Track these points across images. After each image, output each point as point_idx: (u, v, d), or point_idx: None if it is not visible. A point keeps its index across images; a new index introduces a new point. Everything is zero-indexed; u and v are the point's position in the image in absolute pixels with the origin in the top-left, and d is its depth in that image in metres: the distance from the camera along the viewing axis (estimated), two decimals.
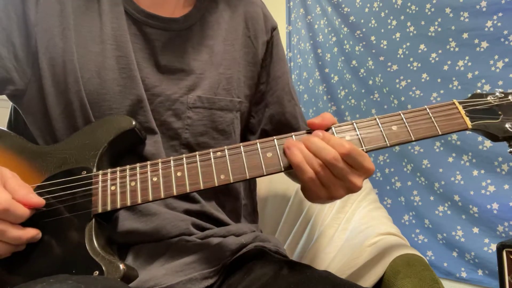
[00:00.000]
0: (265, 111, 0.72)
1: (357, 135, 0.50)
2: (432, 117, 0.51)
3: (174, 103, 0.61)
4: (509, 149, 0.51)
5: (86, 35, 0.57)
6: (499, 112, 0.52)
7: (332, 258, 0.87)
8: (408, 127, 0.50)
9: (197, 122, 0.62)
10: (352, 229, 0.91)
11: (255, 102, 0.73)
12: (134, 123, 0.55)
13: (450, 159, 1.62)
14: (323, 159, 0.46)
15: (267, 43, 0.72)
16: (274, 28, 0.75)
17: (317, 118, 0.51)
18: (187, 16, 0.65)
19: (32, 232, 0.46)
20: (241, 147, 0.50)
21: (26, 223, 0.46)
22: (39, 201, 0.47)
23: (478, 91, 0.55)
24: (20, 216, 0.45)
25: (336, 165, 0.46)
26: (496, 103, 0.52)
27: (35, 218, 0.47)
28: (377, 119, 0.51)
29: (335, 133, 0.50)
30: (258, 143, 0.50)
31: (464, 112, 0.51)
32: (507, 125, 0.51)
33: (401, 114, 0.51)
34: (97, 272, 0.45)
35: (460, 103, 0.52)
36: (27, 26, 0.55)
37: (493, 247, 1.47)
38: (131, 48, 0.59)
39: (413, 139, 0.49)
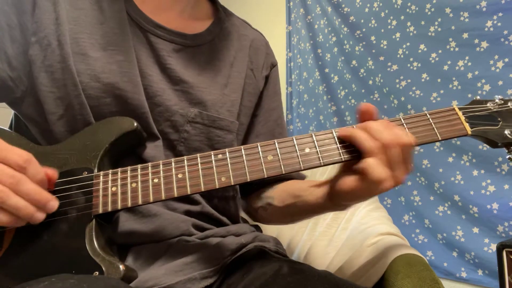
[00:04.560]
0: (255, 141, 0.73)
1: None
2: (432, 123, 0.51)
3: (174, 114, 0.61)
4: (508, 155, 0.52)
5: (85, 41, 0.57)
6: (499, 119, 0.52)
7: (332, 258, 0.88)
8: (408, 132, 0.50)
9: (193, 137, 0.63)
10: (352, 229, 0.91)
11: (246, 132, 0.74)
12: (135, 124, 0.55)
13: (450, 159, 1.63)
14: (384, 139, 0.46)
15: (266, 78, 0.76)
16: (274, 65, 0.78)
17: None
18: (198, 36, 0.67)
19: (48, 195, 0.44)
20: (242, 149, 0.50)
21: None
22: (53, 171, 0.47)
23: (478, 97, 0.55)
24: (38, 172, 0.44)
25: (394, 149, 0.45)
26: (495, 110, 0.53)
27: None
28: None
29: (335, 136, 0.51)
30: (259, 146, 0.50)
31: (464, 118, 0.52)
32: (506, 132, 0.51)
33: (402, 119, 0.51)
34: (97, 272, 0.45)
35: (460, 109, 0.52)
36: (24, 36, 0.55)
37: (493, 247, 1.47)
38: (134, 54, 0.59)
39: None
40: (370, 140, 0.46)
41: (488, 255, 1.50)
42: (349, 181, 0.48)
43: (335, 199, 0.53)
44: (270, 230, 1.02)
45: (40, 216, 0.44)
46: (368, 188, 0.47)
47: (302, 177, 0.74)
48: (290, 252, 0.97)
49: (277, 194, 0.67)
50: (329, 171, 1.07)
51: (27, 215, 0.42)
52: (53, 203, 0.45)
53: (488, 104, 0.53)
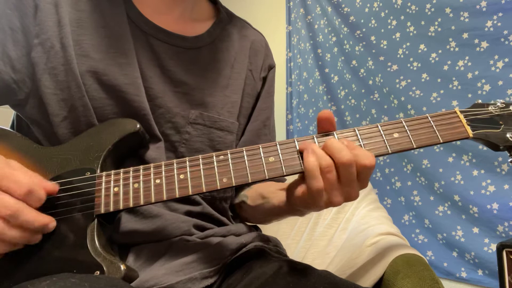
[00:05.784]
0: (241, 138, 0.73)
1: (359, 141, 0.50)
2: (433, 125, 0.51)
3: (175, 116, 0.62)
4: (510, 159, 0.52)
5: (87, 43, 0.57)
6: (500, 122, 0.52)
7: (332, 258, 0.88)
8: (410, 135, 0.50)
9: (195, 138, 0.63)
10: (352, 229, 0.92)
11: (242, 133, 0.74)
12: (138, 126, 0.55)
13: (450, 159, 1.63)
14: (341, 158, 0.45)
15: (263, 79, 0.76)
16: (272, 67, 0.79)
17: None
18: (198, 38, 0.67)
19: (45, 219, 0.45)
20: (244, 151, 0.51)
21: None
22: (54, 186, 0.48)
23: (479, 100, 0.56)
24: (41, 198, 0.45)
25: (351, 168, 0.46)
26: (497, 113, 0.53)
27: None
28: (379, 126, 0.51)
29: (337, 139, 0.51)
30: (260, 148, 0.51)
31: (466, 121, 0.52)
32: (508, 135, 0.51)
33: (403, 122, 0.51)
34: (98, 272, 0.45)
35: (461, 112, 0.53)
36: (27, 38, 0.55)
37: (493, 247, 1.47)
38: (135, 57, 0.59)
39: (415, 146, 0.50)
40: (323, 158, 0.46)
41: (488, 255, 1.50)
42: (300, 188, 0.49)
43: (291, 204, 0.54)
44: (270, 230, 1.02)
45: (37, 238, 0.46)
46: (312, 197, 0.47)
47: (281, 180, 0.74)
48: (290, 252, 0.97)
49: (250, 194, 0.68)
50: None
51: (24, 242, 0.45)
52: (51, 226, 0.47)
53: (489, 108, 0.54)
